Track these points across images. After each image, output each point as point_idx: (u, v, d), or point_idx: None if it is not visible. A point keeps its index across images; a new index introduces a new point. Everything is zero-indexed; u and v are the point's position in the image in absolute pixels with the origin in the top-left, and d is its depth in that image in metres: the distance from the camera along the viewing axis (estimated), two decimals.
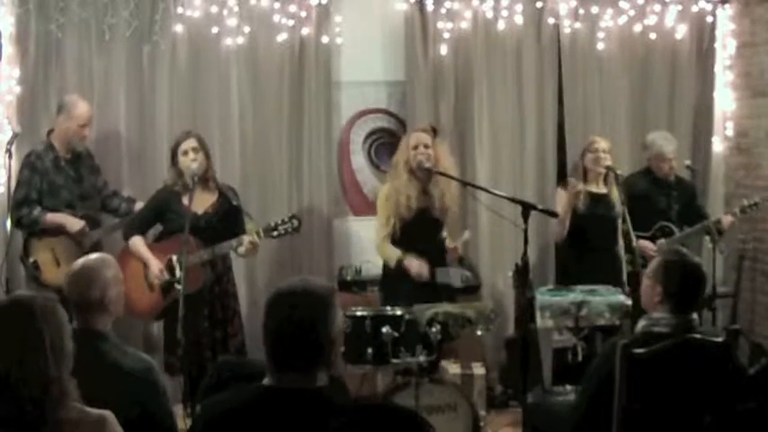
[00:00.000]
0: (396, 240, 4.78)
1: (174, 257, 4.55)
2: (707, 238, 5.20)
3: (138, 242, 4.70)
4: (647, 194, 5.35)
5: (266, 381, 2.17)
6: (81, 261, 2.95)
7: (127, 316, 4.76)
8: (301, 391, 2.13)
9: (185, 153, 4.63)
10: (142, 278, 4.67)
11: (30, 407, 2.16)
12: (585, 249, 5.09)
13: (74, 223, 4.86)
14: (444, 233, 4.86)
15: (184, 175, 4.61)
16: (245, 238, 4.61)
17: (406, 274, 4.69)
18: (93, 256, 3.01)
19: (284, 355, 2.14)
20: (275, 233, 4.67)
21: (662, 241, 5.21)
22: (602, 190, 5.13)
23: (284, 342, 2.13)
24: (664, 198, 5.35)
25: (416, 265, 4.67)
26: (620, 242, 5.05)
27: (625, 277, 5.11)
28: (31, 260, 4.85)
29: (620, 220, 5.00)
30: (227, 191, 4.80)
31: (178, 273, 4.46)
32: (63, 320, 2.29)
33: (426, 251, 4.75)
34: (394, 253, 4.74)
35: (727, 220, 5.30)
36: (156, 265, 4.62)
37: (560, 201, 5.09)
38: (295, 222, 4.68)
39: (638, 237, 5.03)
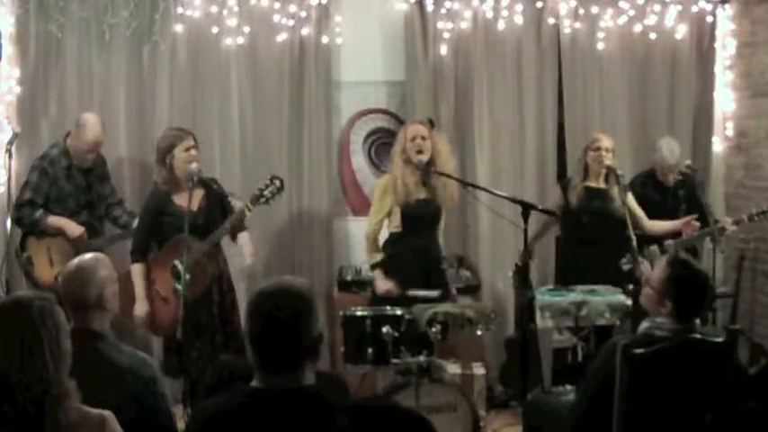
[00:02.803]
0: (396, 231, 4.82)
1: (177, 262, 4.49)
2: (707, 238, 5.19)
3: (136, 274, 4.60)
4: (654, 196, 5.38)
5: (254, 382, 2.17)
6: (75, 262, 2.94)
7: (148, 333, 4.78)
8: (288, 392, 2.13)
9: (187, 149, 4.57)
10: (152, 293, 4.64)
11: (30, 408, 2.16)
12: (583, 243, 5.10)
13: (74, 229, 4.87)
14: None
15: (176, 174, 4.57)
16: (234, 216, 4.60)
17: (400, 273, 4.74)
18: (87, 256, 2.99)
19: (269, 355, 2.14)
20: (263, 199, 4.61)
21: (669, 242, 5.21)
22: (602, 185, 5.13)
23: (269, 343, 2.14)
24: (670, 199, 5.36)
25: (381, 285, 4.75)
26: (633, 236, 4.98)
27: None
28: (25, 255, 4.86)
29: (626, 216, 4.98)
30: (209, 182, 4.75)
31: (184, 275, 4.40)
32: (61, 321, 2.29)
33: (424, 246, 4.77)
34: (373, 256, 4.84)
35: (732, 227, 5.26)
36: (140, 307, 4.57)
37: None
38: (277, 182, 4.62)
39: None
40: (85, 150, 4.94)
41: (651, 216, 5.27)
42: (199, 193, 4.65)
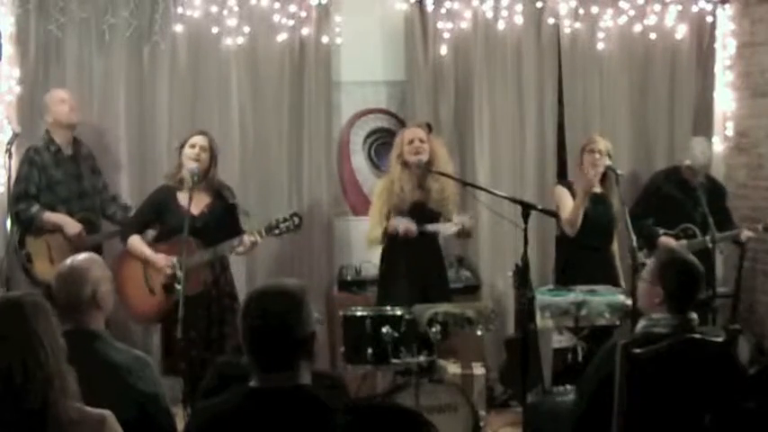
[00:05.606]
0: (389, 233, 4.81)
1: (174, 259, 4.49)
2: (707, 238, 5.19)
3: (136, 241, 4.64)
4: (674, 195, 5.42)
5: (251, 382, 2.19)
6: (68, 262, 2.93)
7: (128, 319, 4.79)
8: (284, 391, 2.15)
9: (192, 146, 4.60)
10: (142, 281, 4.64)
11: (33, 404, 2.16)
12: (580, 248, 5.09)
13: (72, 226, 4.86)
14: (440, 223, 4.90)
15: (183, 170, 4.59)
16: (247, 238, 4.57)
17: (403, 273, 4.73)
18: (81, 256, 2.99)
19: (264, 355, 2.17)
20: (277, 231, 4.62)
21: (683, 242, 5.23)
22: (598, 190, 5.13)
23: (263, 342, 2.17)
24: (691, 199, 5.35)
25: (403, 223, 4.70)
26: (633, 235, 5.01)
27: (621, 277, 5.12)
28: (24, 252, 4.85)
29: (623, 220, 4.99)
30: (223, 190, 4.73)
31: (179, 274, 4.42)
32: (51, 313, 2.30)
33: (419, 246, 4.77)
34: (378, 231, 4.79)
35: (746, 234, 5.32)
36: (160, 258, 4.54)
37: (561, 197, 5.09)
38: (296, 220, 4.63)
39: (663, 234, 5.24)
40: (61, 102, 4.97)
41: (670, 213, 5.30)
42: (205, 198, 4.66)
